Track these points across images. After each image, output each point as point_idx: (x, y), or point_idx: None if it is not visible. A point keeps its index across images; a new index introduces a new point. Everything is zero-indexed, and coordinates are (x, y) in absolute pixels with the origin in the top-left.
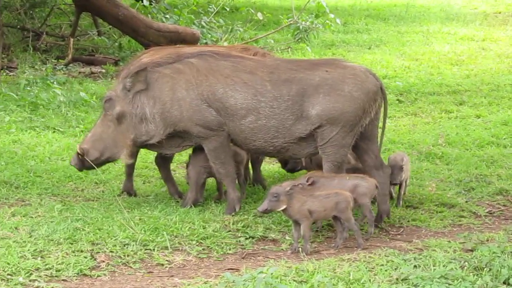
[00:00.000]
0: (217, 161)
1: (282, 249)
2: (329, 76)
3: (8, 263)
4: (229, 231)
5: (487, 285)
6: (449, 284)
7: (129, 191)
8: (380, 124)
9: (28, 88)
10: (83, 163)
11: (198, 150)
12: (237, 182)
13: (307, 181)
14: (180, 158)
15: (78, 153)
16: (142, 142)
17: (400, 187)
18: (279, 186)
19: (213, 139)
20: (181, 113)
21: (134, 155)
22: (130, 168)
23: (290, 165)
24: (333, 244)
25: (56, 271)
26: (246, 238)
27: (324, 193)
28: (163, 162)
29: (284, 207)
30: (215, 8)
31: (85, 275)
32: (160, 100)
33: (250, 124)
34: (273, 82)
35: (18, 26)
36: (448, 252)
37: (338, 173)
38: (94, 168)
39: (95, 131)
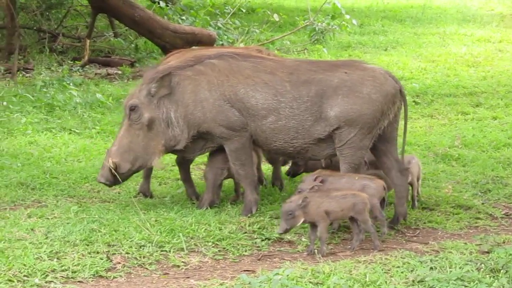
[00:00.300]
0: (237, 162)
1: (298, 251)
2: (348, 78)
3: (24, 265)
4: (245, 232)
5: (503, 287)
6: (466, 286)
7: (146, 192)
8: (402, 127)
9: (45, 90)
10: (115, 177)
11: (215, 151)
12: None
13: (314, 180)
14: (196, 160)
15: (109, 169)
16: (171, 147)
17: (412, 189)
18: (290, 203)
19: (235, 140)
20: (204, 114)
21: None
22: (148, 170)
23: (290, 169)
24: (349, 246)
25: (72, 272)
26: (262, 240)
27: (341, 194)
28: (184, 162)
29: (302, 220)
30: (231, 10)
31: (101, 276)
32: (182, 103)
33: (271, 125)
34: (292, 83)
35: (35, 28)
36: (465, 254)
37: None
38: (125, 180)
39: (121, 143)
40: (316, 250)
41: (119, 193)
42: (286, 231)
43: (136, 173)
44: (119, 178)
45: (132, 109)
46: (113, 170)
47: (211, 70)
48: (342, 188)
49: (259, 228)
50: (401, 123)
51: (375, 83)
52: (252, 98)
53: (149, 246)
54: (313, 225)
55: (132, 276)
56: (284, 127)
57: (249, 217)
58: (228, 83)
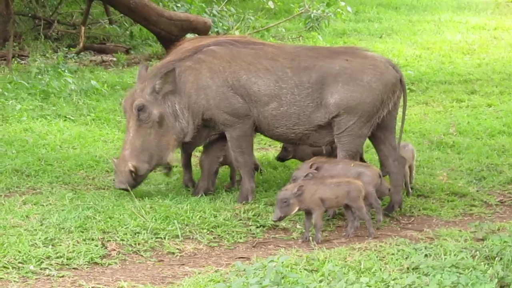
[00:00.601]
0: (238, 149)
1: (293, 238)
2: (349, 65)
3: (19, 251)
4: (240, 219)
5: (498, 274)
6: (460, 273)
7: (188, 183)
8: (400, 116)
9: (40, 77)
10: (136, 180)
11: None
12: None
13: (310, 167)
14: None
15: (131, 172)
16: (181, 140)
17: (405, 176)
18: (285, 191)
19: (238, 127)
20: (208, 101)
21: None
22: (187, 161)
23: (280, 154)
24: (344, 233)
25: (67, 259)
26: (257, 227)
27: (336, 181)
28: (188, 148)
29: (297, 209)
30: None
31: (96, 263)
32: (185, 93)
33: (273, 111)
34: (293, 69)
35: (30, 15)
36: (459, 242)
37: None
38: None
39: (133, 145)
40: (311, 237)
41: (113, 180)
42: (281, 218)
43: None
44: (138, 181)
45: (140, 109)
46: (133, 174)
47: (212, 57)
48: (337, 175)
49: (254, 215)
50: (399, 110)
51: (375, 71)
52: (255, 84)
53: (144, 233)
54: (308, 213)
55: (127, 263)
56: (286, 113)
57: (244, 204)
58: (230, 69)
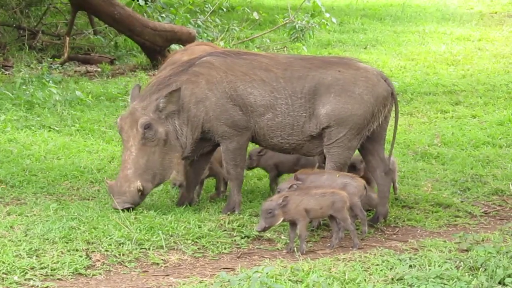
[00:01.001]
0: (232, 162)
1: (278, 249)
2: (341, 77)
3: (3, 262)
4: (225, 230)
5: (482, 285)
6: (444, 284)
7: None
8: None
9: (24, 87)
10: (141, 199)
11: None
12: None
13: (294, 178)
14: None
15: (139, 191)
16: (182, 156)
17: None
18: (270, 202)
19: (235, 139)
20: (207, 113)
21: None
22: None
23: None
24: (329, 244)
25: (51, 270)
26: (242, 238)
27: (320, 192)
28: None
29: (281, 220)
30: (211, 7)
31: (80, 274)
32: (183, 108)
33: (268, 122)
34: (287, 79)
35: (14, 25)
36: (444, 252)
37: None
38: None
39: (137, 164)
40: (295, 248)
41: (98, 190)
42: (265, 229)
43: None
44: (142, 198)
45: (147, 127)
46: (140, 193)
47: (208, 69)
48: (322, 186)
49: (238, 226)
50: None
51: (367, 84)
52: (251, 95)
53: (129, 244)
54: (293, 223)
55: (112, 274)
56: (281, 124)
57: (228, 215)
58: (227, 79)
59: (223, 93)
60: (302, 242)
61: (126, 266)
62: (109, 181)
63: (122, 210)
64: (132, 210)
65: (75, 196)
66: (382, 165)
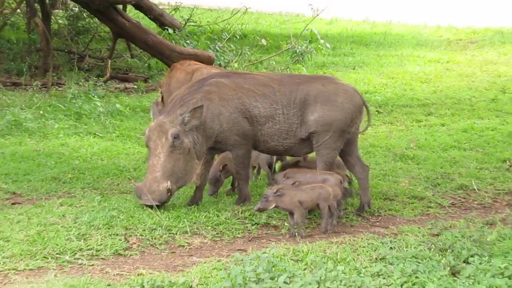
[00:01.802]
0: (241, 165)
1: (282, 234)
2: (325, 89)
3: (57, 244)
4: (238, 218)
5: (450, 263)
6: (419, 263)
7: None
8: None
9: (74, 101)
10: (168, 198)
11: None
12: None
13: (284, 177)
14: None
15: (168, 190)
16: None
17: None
18: (269, 190)
19: (243, 147)
20: (221, 125)
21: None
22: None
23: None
24: (323, 229)
25: (96, 251)
26: (252, 225)
27: (310, 186)
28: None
29: (273, 205)
30: (227, 35)
31: (119, 254)
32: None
33: (269, 129)
34: (282, 93)
35: (66, 50)
36: (418, 236)
37: (329, 171)
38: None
39: (165, 168)
40: (296, 233)
41: (134, 186)
42: (260, 210)
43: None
44: (169, 198)
45: (176, 137)
46: (169, 192)
47: (219, 88)
48: (307, 181)
49: (250, 215)
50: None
51: (347, 94)
52: (256, 108)
53: (159, 230)
54: (291, 213)
55: (145, 254)
56: (278, 130)
57: (241, 206)
58: (236, 96)
59: (235, 108)
60: (300, 228)
61: (157, 248)
62: (136, 183)
63: (150, 206)
64: (159, 207)
65: (115, 190)
66: (359, 162)
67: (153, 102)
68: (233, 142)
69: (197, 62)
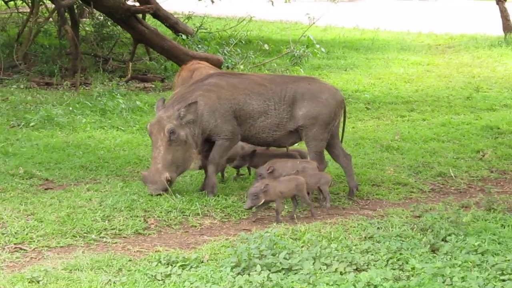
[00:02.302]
0: (220, 154)
1: (282, 216)
2: (311, 87)
3: (84, 225)
4: (244, 202)
5: (430, 241)
6: (403, 241)
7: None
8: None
9: (99, 99)
10: (170, 186)
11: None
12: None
13: (267, 170)
14: None
15: (168, 180)
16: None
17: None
18: (255, 187)
19: (229, 140)
20: (216, 120)
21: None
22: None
23: (237, 163)
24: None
25: (118, 230)
26: (256, 208)
27: (287, 178)
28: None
29: (263, 201)
30: (234, 41)
31: (139, 233)
32: (198, 115)
33: (261, 123)
34: (274, 91)
35: (92, 54)
36: (402, 218)
37: (319, 161)
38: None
39: (165, 160)
40: (294, 216)
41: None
42: (251, 207)
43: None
44: (170, 186)
45: (172, 132)
46: (168, 182)
47: (216, 87)
48: (289, 171)
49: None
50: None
51: (330, 92)
52: (250, 105)
53: (174, 212)
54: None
55: (162, 233)
56: (270, 124)
57: (246, 191)
58: (232, 96)
59: (229, 107)
60: (278, 214)
61: (172, 228)
62: (142, 172)
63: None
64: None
65: (135, 177)
66: (342, 152)
67: (160, 98)
68: (223, 136)
69: (201, 62)
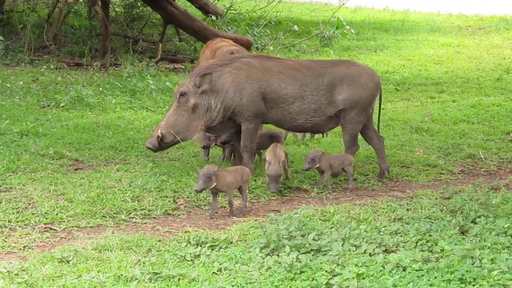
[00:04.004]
0: (249, 138)
1: (311, 197)
2: (349, 71)
3: (114, 205)
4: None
5: (459, 223)
6: (432, 223)
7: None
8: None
9: (129, 79)
10: (160, 145)
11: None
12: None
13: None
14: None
15: (158, 137)
16: (207, 126)
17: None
18: (207, 169)
19: (254, 121)
20: (241, 99)
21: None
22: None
23: (223, 139)
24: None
25: (148, 211)
26: (285, 188)
27: (234, 169)
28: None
29: (214, 185)
30: (264, 22)
31: (169, 214)
32: (223, 90)
33: (297, 108)
34: (311, 76)
35: (122, 35)
36: (431, 200)
37: (353, 143)
38: (166, 149)
39: (169, 120)
40: (324, 196)
41: (182, 154)
42: (202, 189)
43: (176, 144)
44: (163, 146)
45: (182, 94)
46: (159, 139)
47: (247, 67)
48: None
49: (282, 180)
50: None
51: (368, 74)
52: (284, 89)
53: (204, 192)
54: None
55: (191, 214)
56: (307, 109)
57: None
58: (263, 78)
59: (258, 88)
60: (232, 206)
61: (202, 209)
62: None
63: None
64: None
65: (165, 158)
66: (376, 135)
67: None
68: (247, 116)
69: (224, 40)
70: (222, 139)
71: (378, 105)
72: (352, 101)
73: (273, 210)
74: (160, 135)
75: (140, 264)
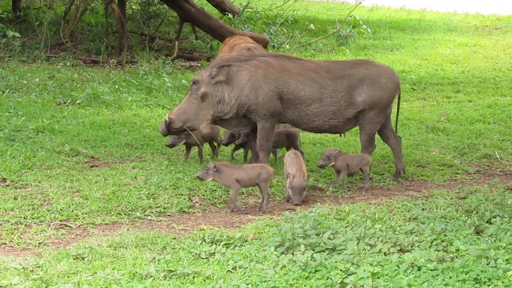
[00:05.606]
0: (265, 137)
1: (326, 195)
2: (369, 72)
3: (129, 202)
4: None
5: (474, 223)
6: (447, 223)
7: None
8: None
9: (145, 77)
10: (169, 130)
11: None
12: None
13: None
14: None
15: (166, 122)
16: (217, 117)
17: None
18: (208, 165)
19: (269, 120)
20: (257, 98)
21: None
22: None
23: (225, 140)
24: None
25: (163, 208)
26: None
27: (250, 166)
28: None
29: (211, 179)
30: (280, 20)
31: (184, 212)
32: (238, 86)
33: (314, 110)
34: (330, 79)
35: (138, 32)
36: (447, 199)
37: (370, 143)
38: (175, 134)
39: (180, 106)
40: (339, 195)
41: (197, 152)
42: (200, 178)
43: (185, 131)
44: (172, 131)
45: (194, 82)
46: (167, 123)
47: (265, 65)
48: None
49: None
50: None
51: (387, 75)
52: (302, 90)
53: (219, 190)
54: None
55: (207, 212)
56: (325, 111)
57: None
58: (281, 79)
59: (275, 88)
60: (234, 202)
61: (217, 207)
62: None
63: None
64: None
65: (180, 156)
66: (393, 134)
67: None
68: (262, 115)
69: (243, 38)
70: (224, 141)
71: (396, 105)
72: (372, 102)
73: (288, 209)
74: (168, 119)
75: (155, 262)
